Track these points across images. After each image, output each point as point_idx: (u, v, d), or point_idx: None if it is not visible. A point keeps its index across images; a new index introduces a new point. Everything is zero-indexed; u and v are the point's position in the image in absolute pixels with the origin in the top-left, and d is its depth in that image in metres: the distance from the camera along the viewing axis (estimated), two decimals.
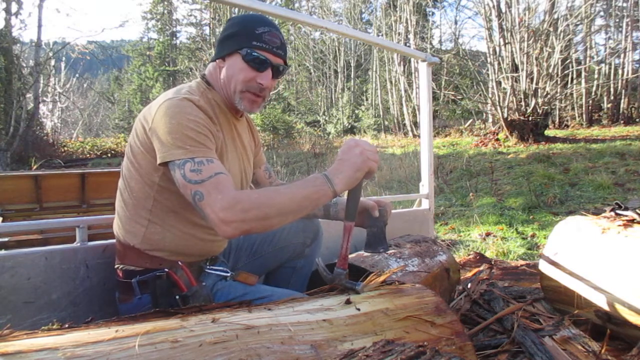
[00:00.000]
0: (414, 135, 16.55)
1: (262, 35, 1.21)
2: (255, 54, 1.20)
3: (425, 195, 2.51)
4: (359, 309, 1.01)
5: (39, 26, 15.57)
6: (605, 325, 1.48)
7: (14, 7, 14.00)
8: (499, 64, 10.47)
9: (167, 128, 1.08)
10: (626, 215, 1.59)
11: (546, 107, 10.01)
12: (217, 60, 1.28)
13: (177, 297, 1.19)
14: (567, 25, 10.56)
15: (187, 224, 1.24)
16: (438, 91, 13.12)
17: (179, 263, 1.24)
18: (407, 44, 17.37)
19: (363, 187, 1.21)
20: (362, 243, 1.37)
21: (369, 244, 1.34)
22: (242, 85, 1.23)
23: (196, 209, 1.05)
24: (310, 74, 25.56)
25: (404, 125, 18.18)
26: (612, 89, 13.78)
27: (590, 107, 14.08)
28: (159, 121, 1.10)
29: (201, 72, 1.34)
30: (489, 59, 11.01)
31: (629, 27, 13.68)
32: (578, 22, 12.06)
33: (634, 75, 13.29)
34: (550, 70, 9.86)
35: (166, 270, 1.22)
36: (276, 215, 1.03)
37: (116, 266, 1.29)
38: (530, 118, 9.74)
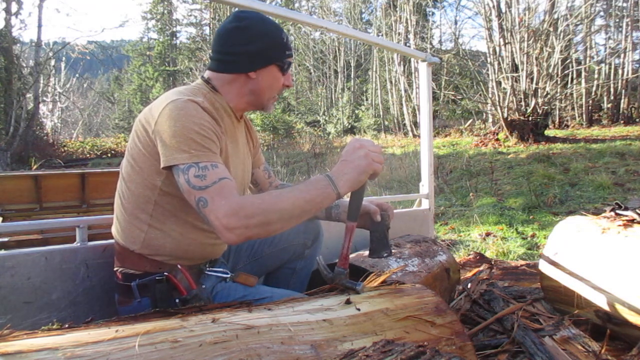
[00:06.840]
0: (414, 135, 16.53)
1: (287, 42, 1.27)
2: (290, 62, 1.29)
3: (425, 195, 2.51)
4: (359, 309, 1.01)
5: (39, 26, 15.61)
6: (605, 325, 1.48)
7: (14, 7, 14.04)
8: (499, 64, 10.47)
9: (171, 131, 1.06)
10: (626, 215, 1.59)
11: (546, 107, 10.01)
12: (242, 74, 1.24)
13: (177, 300, 1.18)
14: (567, 25, 10.56)
15: (188, 228, 1.23)
16: (438, 91, 13.14)
17: (179, 266, 1.23)
18: (407, 44, 17.36)
19: None
20: (363, 243, 1.37)
21: (372, 249, 1.33)
22: (277, 92, 1.31)
23: (200, 215, 1.03)
24: (310, 74, 25.54)
25: (404, 125, 18.17)
26: (612, 89, 13.79)
27: (590, 107, 14.09)
28: (163, 123, 1.08)
29: (201, 72, 1.34)
30: (489, 59, 11.00)
31: (629, 27, 13.69)
32: (578, 22, 12.05)
33: (634, 75, 13.30)
34: (550, 70, 9.85)
35: (166, 273, 1.21)
36: (279, 221, 1.02)
37: (115, 269, 1.28)
38: (530, 118, 9.73)
